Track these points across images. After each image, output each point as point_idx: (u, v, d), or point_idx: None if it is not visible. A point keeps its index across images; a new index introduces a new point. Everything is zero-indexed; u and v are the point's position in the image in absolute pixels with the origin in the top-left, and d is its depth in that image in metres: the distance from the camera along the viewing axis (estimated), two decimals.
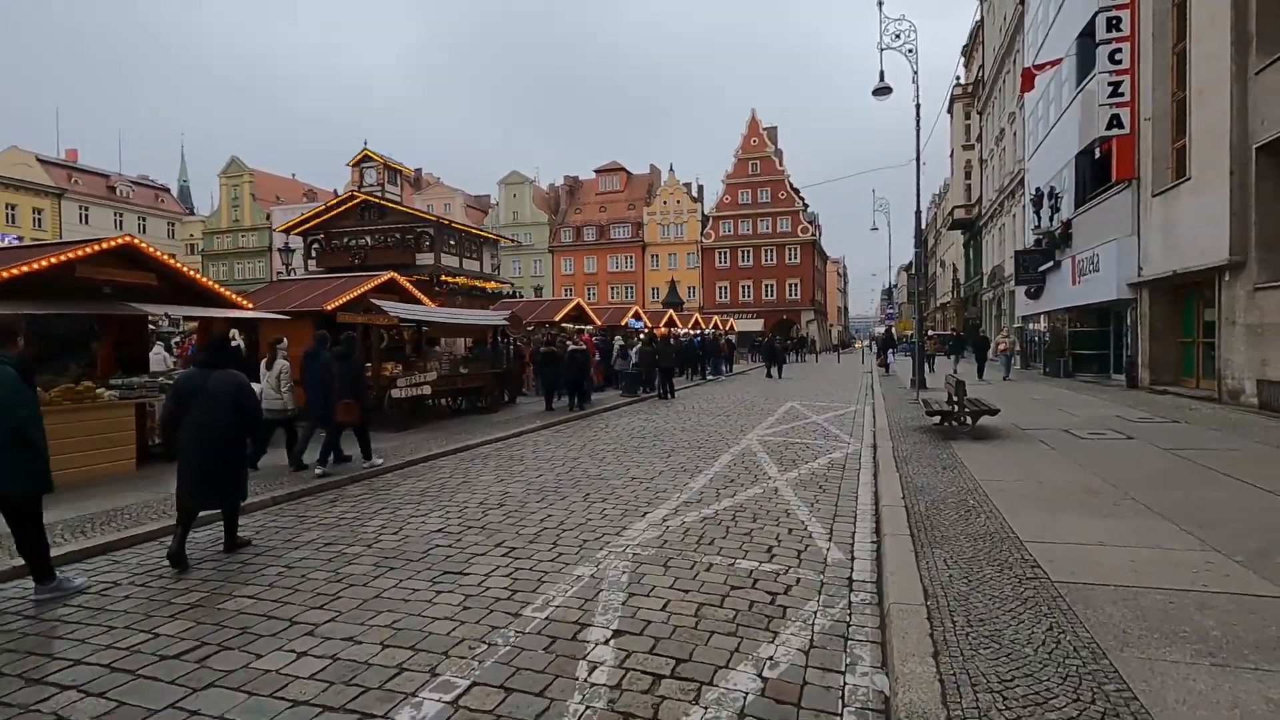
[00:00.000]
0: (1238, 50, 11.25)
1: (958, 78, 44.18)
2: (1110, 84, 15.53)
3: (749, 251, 61.60)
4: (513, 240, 48.13)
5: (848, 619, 3.77)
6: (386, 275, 12.47)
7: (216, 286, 9.35)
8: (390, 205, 36.92)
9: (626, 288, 64.89)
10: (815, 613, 3.85)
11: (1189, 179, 13.04)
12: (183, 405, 4.89)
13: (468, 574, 4.45)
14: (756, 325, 57.91)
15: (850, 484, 7.18)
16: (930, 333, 41.58)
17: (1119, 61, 15.50)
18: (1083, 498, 5.84)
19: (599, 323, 22.10)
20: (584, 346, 14.02)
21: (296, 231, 39.26)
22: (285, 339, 8.84)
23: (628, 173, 70.48)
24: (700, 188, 67.53)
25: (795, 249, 60.79)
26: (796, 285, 60.94)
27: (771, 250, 61.06)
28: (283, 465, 7.95)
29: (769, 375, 24.98)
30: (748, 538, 5.23)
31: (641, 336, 21.03)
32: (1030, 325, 26.64)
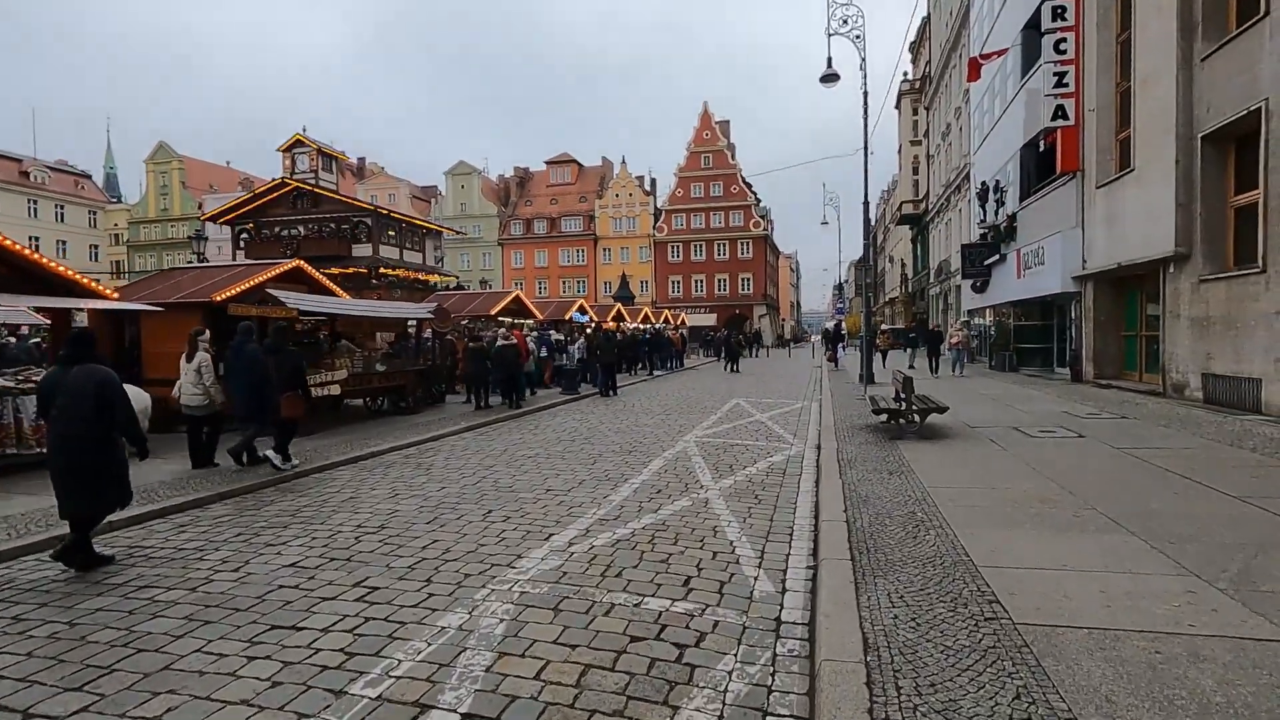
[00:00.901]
0: (1183, 37, 11.00)
1: (905, 73, 44.50)
2: (1055, 74, 15.31)
3: (702, 246, 61.19)
4: (457, 232, 46.42)
5: (769, 681, 3.01)
6: (292, 263, 11.27)
7: (72, 273, 8.08)
8: (325, 193, 35.06)
9: (578, 282, 63.75)
10: (730, 673, 3.07)
11: (1133, 170, 12.85)
12: (46, 405, 4.64)
13: (301, 629, 3.53)
14: (709, 320, 57.58)
15: (789, 492, 6.48)
16: (883, 328, 41.85)
17: (1064, 51, 15.30)
18: (1039, 508, 5.24)
19: (540, 317, 21.11)
20: (513, 341, 13.04)
21: (224, 220, 37.03)
22: (206, 330, 8.10)
23: (579, 165, 69.28)
24: (653, 181, 66.82)
25: (748, 243, 60.65)
26: (749, 280, 60.85)
27: (724, 244, 60.78)
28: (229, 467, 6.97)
29: (727, 369, 25.26)
30: (664, 566, 4.44)
31: (587, 332, 20.18)
32: (975, 319, 26.76)
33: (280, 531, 5.38)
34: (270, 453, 7.40)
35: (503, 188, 70.25)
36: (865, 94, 17.19)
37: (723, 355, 40.14)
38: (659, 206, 63.21)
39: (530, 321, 20.39)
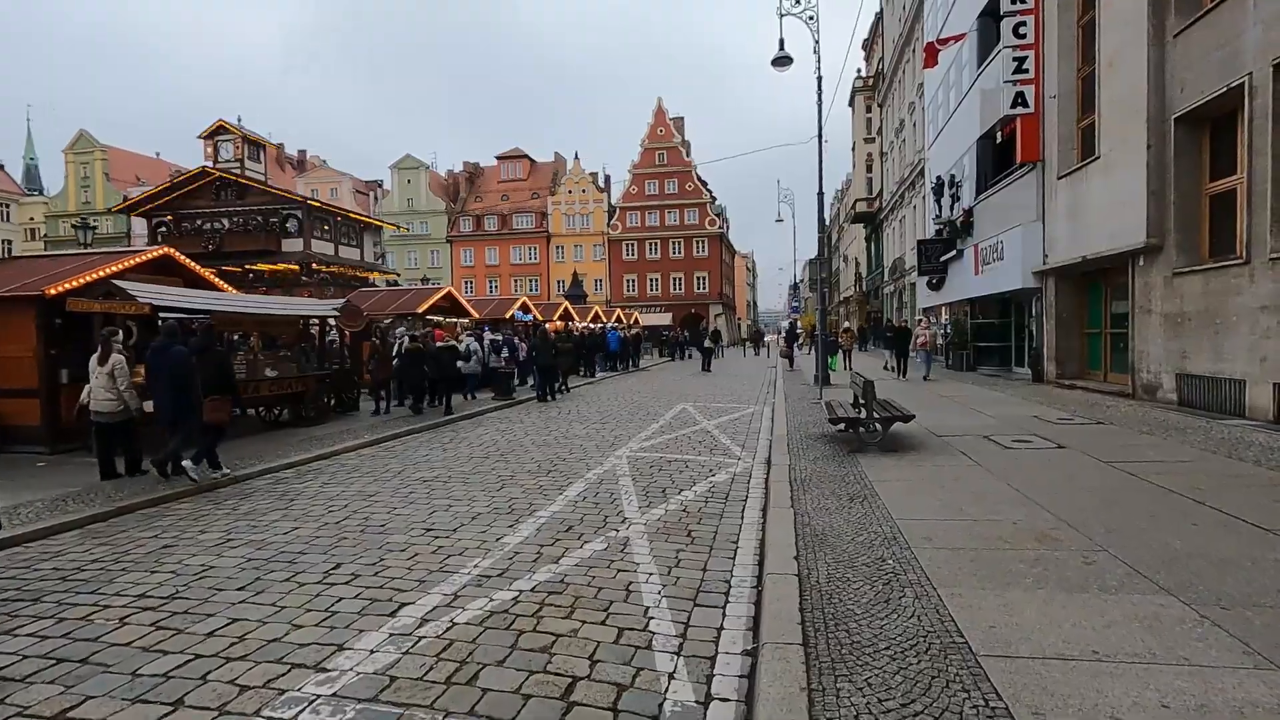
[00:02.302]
0: (1154, 12, 10.24)
1: (858, 70, 44.21)
2: (1015, 59, 14.57)
3: (656, 244, 60.13)
4: (398, 227, 44.24)
5: None
6: (158, 250, 9.58)
7: None
8: (251, 184, 32.68)
9: (530, 280, 62.00)
10: None
11: (1098, 158, 12.11)
12: None
13: None
14: (665, 319, 56.53)
15: (730, 525, 5.27)
16: (845, 325, 41.27)
17: (1023, 36, 14.57)
18: (1038, 551, 4.14)
19: (476, 315, 19.58)
20: (421, 343, 11.62)
21: (138, 213, 34.27)
22: (119, 330, 7.48)
23: (531, 160, 67.49)
24: (607, 178, 65.45)
25: (703, 242, 59.83)
26: (704, 278, 60.05)
27: (679, 243, 59.85)
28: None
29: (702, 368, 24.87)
30: (544, 660, 3.15)
31: (535, 332, 18.78)
32: (931, 317, 26.20)
33: (28, 606, 3.90)
34: (188, 464, 6.84)
35: (452, 183, 67.96)
36: (819, 78, 16.27)
37: (677, 353, 39.31)
38: (613, 204, 61.90)
39: (465, 320, 18.84)
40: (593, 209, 61.51)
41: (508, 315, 21.29)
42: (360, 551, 4.76)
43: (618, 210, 60.94)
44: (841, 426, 8.05)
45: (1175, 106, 9.91)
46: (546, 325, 27.14)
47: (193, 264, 10.11)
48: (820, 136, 16.20)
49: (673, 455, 8.19)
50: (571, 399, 15.32)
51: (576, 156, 62.18)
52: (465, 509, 5.85)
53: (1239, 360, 8.72)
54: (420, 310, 16.13)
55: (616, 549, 4.74)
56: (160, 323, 7.58)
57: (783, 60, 16.13)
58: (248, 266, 32.39)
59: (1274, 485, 5.46)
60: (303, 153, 73.12)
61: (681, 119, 62.15)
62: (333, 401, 12.45)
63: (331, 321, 12.08)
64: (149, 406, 7.05)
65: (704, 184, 62.00)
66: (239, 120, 62.09)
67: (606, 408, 13.47)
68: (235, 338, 15.32)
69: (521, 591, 3.97)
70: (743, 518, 5.49)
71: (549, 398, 14.79)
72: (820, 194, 16.47)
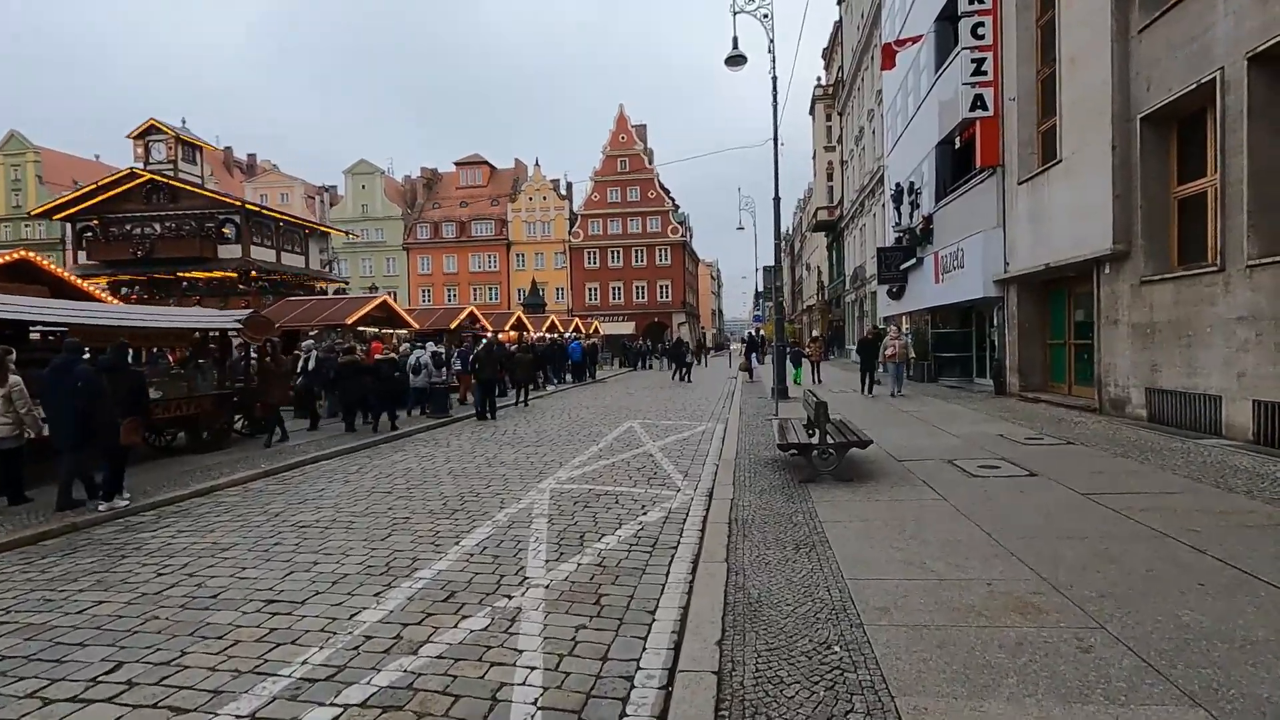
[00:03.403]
0: (1118, 7, 9.72)
1: (819, 79, 44.15)
2: (974, 60, 14.09)
3: (619, 252, 59.29)
4: (347, 233, 42.57)
5: None
6: (13, 254, 8.29)
7: None
8: (185, 187, 30.84)
9: (490, 289, 60.59)
10: None
11: (1060, 161, 11.59)
12: None
13: None
14: (628, 328, 55.71)
15: (651, 586, 4.33)
16: (814, 334, 40.67)
17: (982, 36, 14.09)
18: (1020, 628, 3.29)
19: (415, 325, 18.37)
20: (358, 356, 10.51)
21: (60, 216, 32.18)
22: (13, 350, 6.98)
23: (491, 167, 66.18)
24: (569, 185, 64.46)
25: (666, 250, 59.19)
26: (667, 286, 59.38)
27: (641, 251, 59.11)
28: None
29: (675, 379, 25.09)
30: None
31: (476, 344, 17.70)
32: (891, 326, 25.78)
33: None
34: (99, 501, 6.44)
35: (409, 189, 66.19)
36: (774, 77, 15.61)
37: (640, 363, 38.47)
38: (575, 211, 60.93)
39: (403, 332, 17.65)
40: (554, 216, 60.41)
41: (452, 325, 20.10)
42: (163, 640, 3.68)
43: (579, 218, 59.98)
44: (793, 452, 7.19)
45: (1141, 105, 9.37)
46: (499, 336, 26.09)
47: (59, 270, 8.83)
48: (776, 139, 15.52)
49: (604, 487, 7.23)
50: (511, 417, 14.25)
51: (537, 163, 61.10)
52: (332, 568, 4.79)
53: (1214, 375, 8.13)
54: (350, 321, 14.89)
55: (500, 627, 3.75)
56: (66, 339, 7.18)
57: (736, 59, 15.44)
58: (181, 274, 30.56)
59: (1277, 525, 4.73)
60: (252, 156, 70.62)
61: (644, 126, 61.60)
62: (244, 423, 11.22)
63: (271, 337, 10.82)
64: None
65: (666, 192, 61.49)
66: (183, 122, 59.53)
67: (548, 426, 12.45)
68: (155, 352, 13.96)
69: (347, 707, 2.95)
70: (668, 574, 4.56)
71: (488, 415, 13.70)
72: (776, 199, 15.77)
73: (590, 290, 59.75)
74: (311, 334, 14.80)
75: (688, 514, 6.09)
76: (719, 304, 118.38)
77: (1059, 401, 11.95)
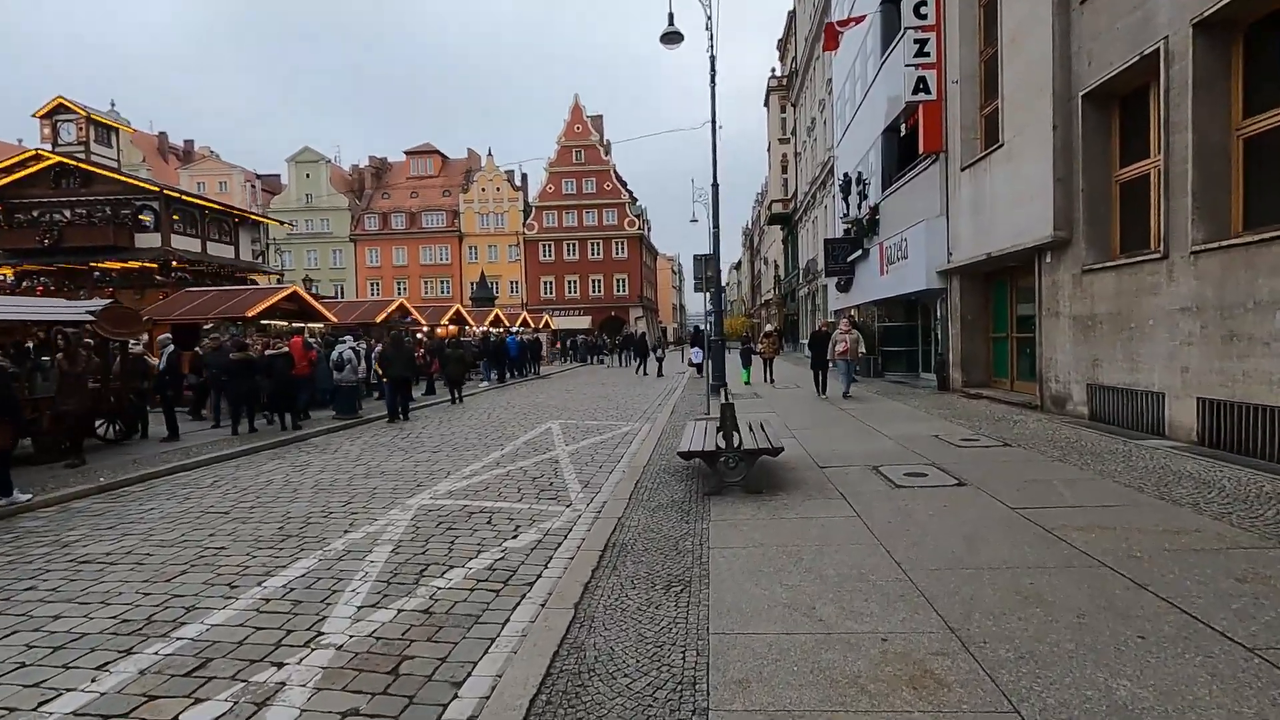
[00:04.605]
0: None
1: (773, 69, 43.65)
2: (916, 41, 13.45)
3: (574, 245, 58.11)
4: (281, 223, 40.51)
5: None
6: None
7: None
8: (96, 171, 28.68)
9: (442, 282, 58.86)
10: None
11: (1001, 145, 11.01)
12: None
13: None
14: (584, 322, 54.64)
15: (472, 647, 3.41)
16: (768, 328, 39.69)
17: (924, 16, 13.46)
18: (912, 712, 2.46)
19: (333, 319, 17.08)
20: (283, 349, 9.37)
21: None
22: None
23: (443, 156, 64.25)
24: (524, 176, 62.95)
25: (622, 243, 58.23)
26: (624, 281, 58.44)
27: (598, 244, 58.05)
28: None
29: (638, 372, 25.42)
30: None
31: (388, 336, 16.54)
32: (844, 320, 25.25)
33: None
34: None
35: (357, 178, 63.76)
36: (712, 57, 14.80)
37: (591, 358, 37.49)
38: (529, 203, 59.50)
39: (320, 325, 16.36)
40: (508, 208, 58.90)
41: (378, 319, 18.84)
42: None
43: (534, 210, 58.59)
44: (698, 460, 6.34)
45: (1083, 82, 8.77)
46: (437, 331, 24.81)
47: None
48: (714, 120, 14.71)
49: (484, 502, 6.28)
50: (428, 417, 13.17)
51: (490, 153, 59.43)
52: (73, 624, 3.75)
53: (1156, 370, 7.56)
54: (250, 314, 13.58)
55: (240, 716, 2.79)
56: None
57: (672, 36, 14.59)
58: (93, 264, 28.43)
59: (1228, 548, 4.05)
60: (189, 143, 67.22)
61: (600, 117, 60.36)
62: (109, 428, 9.95)
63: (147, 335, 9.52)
64: None
65: (623, 184, 60.50)
66: (113, 105, 56.27)
67: (460, 428, 11.42)
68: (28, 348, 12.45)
69: None
70: (504, 625, 3.65)
71: (401, 416, 12.59)
72: (715, 185, 14.97)
73: (545, 284, 58.48)
74: (206, 327, 13.46)
75: (566, 536, 5.20)
76: (680, 298, 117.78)
77: (1001, 398, 11.41)
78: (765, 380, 17.52)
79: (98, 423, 9.83)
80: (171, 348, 9.65)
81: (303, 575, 4.44)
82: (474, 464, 8.15)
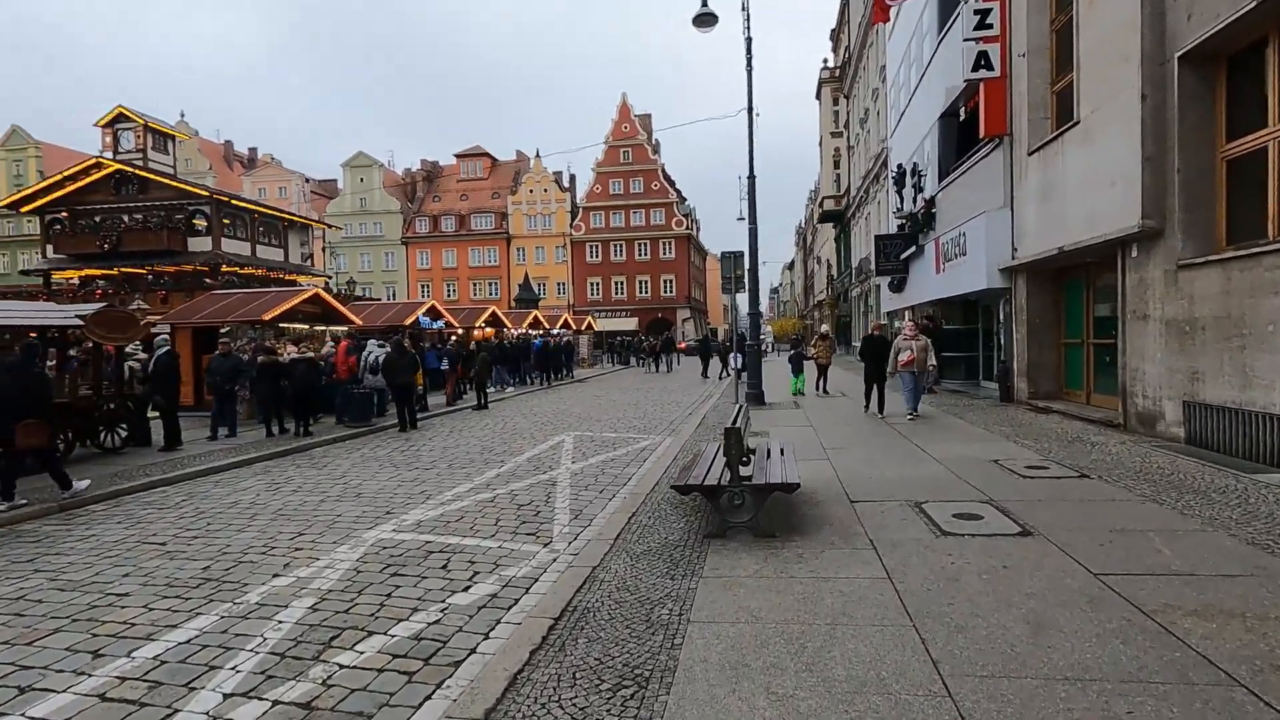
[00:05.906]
0: None
1: (825, 60, 41.90)
2: (977, 12, 12.04)
3: (621, 245, 57.45)
4: (329, 225, 41.16)
5: None
6: None
7: None
8: (153, 177, 29.50)
9: (490, 283, 59.11)
10: None
11: (1077, 123, 9.56)
12: None
13: None
14: (630, 324, 53.90)
15: None
16: (823, 329, 37.41)
17: None
18: None
19: (357, 321, 16.71)
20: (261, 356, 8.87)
21: (29, 208, 31.08)
22: None
23: (492, 159, 64.64)
24: (572, 177, 62.81)
25: (670, 243, 57.23)
26: (671, 281, 57.44)
27: (645, 244, 57.21)
28: None
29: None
30: None
31: (392, 340, 16.09)
32: (897, 323, 23.58)
33: None
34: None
35: (409, 182, 64.84)
36: (748, 39, 13.71)
37: (644, 361, 36.54)
38: (577, 203, 59.17)
39: (345, 328, 16.00)
40: (555, 209, 58.71)
41: (407, 321, 18.44)
42: None
43: (581, 210, 58.23)
44: (702, 495, 5.33)
45: (1179, 41, 7.33)
46: (473, 334, 24.39)
47: None
48: (750, 107, 13.59)
49: (448, 538, 5.42)
50: (441, 425, 12.52)
51: (538, 154, 59.30)
52: None
53: (1278, 387, 6.12)
54: (267, 317, 13.23)
55: None
56: None
57: (706, 18, 13.57)
58: (149, 268, 29.27)
59: None
60: (253, 150, 69.76)
61: (648, 116, 59.55)
62: (111, 436, 9.61)
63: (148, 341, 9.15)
64: None
65: (671, 183, 59.51)
66: (182, 116, 58.43)
67: (466, 439, 10.69)
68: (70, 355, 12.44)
69: None
70: None
71: (409, 425, 11.96)
72: (751, 176, 13.85)
73: (592, 285, 58.02)
74: (223, 330, 13.18)
75: (526, 591, 4.28)
76: (732, 299, 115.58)
77: (1075, 414, 9.93)
78: (818, 390, 15.67)
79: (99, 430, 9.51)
80: (165, 349, 9.23)
81: (188, 641, 3.65)
82: (462, 485, 7.33)
